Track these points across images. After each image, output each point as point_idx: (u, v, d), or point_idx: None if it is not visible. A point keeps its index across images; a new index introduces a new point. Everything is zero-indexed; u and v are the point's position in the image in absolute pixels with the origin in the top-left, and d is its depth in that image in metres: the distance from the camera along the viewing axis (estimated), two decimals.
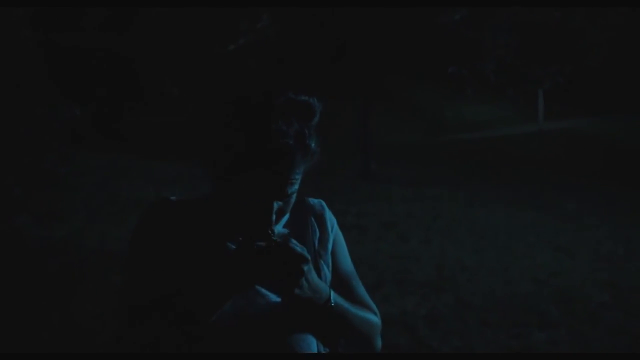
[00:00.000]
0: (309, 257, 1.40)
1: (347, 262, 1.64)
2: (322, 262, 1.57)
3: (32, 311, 5.31)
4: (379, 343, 1.64)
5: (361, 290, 1.64)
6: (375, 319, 1.63)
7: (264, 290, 1.47)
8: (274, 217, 1.44)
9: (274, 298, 1.47)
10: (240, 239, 1.42)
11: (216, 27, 13.92)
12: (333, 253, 1.61)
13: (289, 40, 13.70)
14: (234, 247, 1.46)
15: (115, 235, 7.54)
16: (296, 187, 1.47)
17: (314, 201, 1.62)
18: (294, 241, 1.40)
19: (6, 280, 5.46)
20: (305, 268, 1.38)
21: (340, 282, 1.59)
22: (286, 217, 1.54)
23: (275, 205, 1.44)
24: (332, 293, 1.49)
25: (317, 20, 13.05)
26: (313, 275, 1.43)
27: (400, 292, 6.48)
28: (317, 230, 1.59)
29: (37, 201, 5.66)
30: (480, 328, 5.47)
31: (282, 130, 1.41)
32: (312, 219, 1.59)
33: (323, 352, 1.53)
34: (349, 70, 14.16)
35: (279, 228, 1.52)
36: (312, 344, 1.51)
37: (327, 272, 1.57)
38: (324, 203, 1.64)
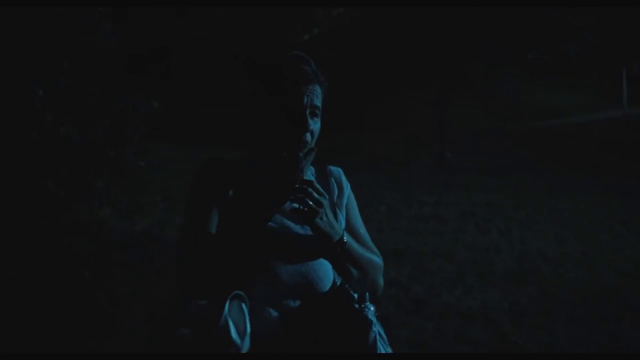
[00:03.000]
0: (327, 195, 1.83)
1: (357, 217, 2.04)
2: (339, 211, 1.98)
3: (116, 302, 5.41)
4: (381, 280, 2.01)
5: (367, 238, 2.03)
6: (378, 260, 2.00)
7: (296, 227, 1.88)
8: (303, 158, 1.82)
9: (303, 232, 1.87)
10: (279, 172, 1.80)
11: (291, 16, 13.92)
12: (347, 208, 2.01)
13: (364, 29, 13.56)
14: (271, 184, 1.84)
15: None
16: (318, 125, 1.88)
17: (333, 168, 2.05)
18: (317, 184, 1.83)
19: (92, 272, 5.58)
20: (325, 202, 1.80)
21: (351, 231, 1.97)
22: (312, 170, 1.98)
23: (307, 135, 1.84)
24: (345, 234, 1.89)
25: (393, 8, 12.85)
26: (329, 212, 1.83)
27: (481, 284, 6.31)
28: (336, 189, 2.01)
29: (119, 194, 5.77)
30: (567, 323, 5.26)
31: (303, 68, 1.86)
32: (333, 181, 2.01)
33: (337, 281, 1.90)
34: (425, 59, 13.93)
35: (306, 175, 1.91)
36: (329, 272, 1.90)
37: (342, 221, 1.98)
38: (341, 170, 2.05)
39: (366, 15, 13.65)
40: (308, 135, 1.86)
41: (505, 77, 19.34)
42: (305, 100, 1.85)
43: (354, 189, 2.10)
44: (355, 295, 1.86)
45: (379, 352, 1.83)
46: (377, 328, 1.85)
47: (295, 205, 1.80)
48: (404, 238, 7.80)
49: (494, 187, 11.34)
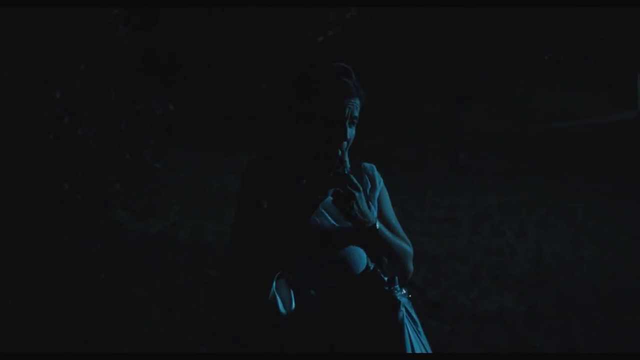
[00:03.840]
0: (360, 188, 2.00)
1: (389, 208, 2.21)
2: (371, 204, 2.14)
3: (131, 304, 5.43)
4: (411, 266, 2.20)
5: (399, 228, 2.20)
6: (408, 248, 2.18)
7: (334, 218, 2.06)
8: (344, 151, 2.02)
9: (340, 223, 2.06)
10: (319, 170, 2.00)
11: (305, 19, 13.91)
12: (379, 201, 2.17)
13: (378, 31, 13.54)
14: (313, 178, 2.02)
15: (207, 229, 7.65)
16: (354, 132, 2.05)
17: (367, 164, 2.21)
18: (351, 177, 2.00)
19: (107, 274, 5.60)
20: (357, 194, 1.98)
21: (384, 221, 2.14)
22: (348, 167, 2.11)
23: (345, 144, 2.02)
24: (377, 222, 2.06)
25: (407, 9, 12.82)
26: (363, 202, 2.01)
27: (497, 287, 6.28)
28: (369, 183, 2.17)
29: (134, 196, 5.78)
30: (585, 327, 5.22)
31: (346, 82, 2.02)
32: (366, 176, 2.17)
33: (370, 266, 2.07)
34: (440, 60, 13.89)
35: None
36: (363, 257, 2.08)
37: (375, 211, 2.14)
38: (374, 166, 2.21)
39: (380, 17, 13.63)
40: (345, 144, 2.05)
41: (520, 79, 19.25)
42: (347, 112, 2.04)
43: None
44: (386, 279, 2.06)
45: (406, 330, 2.01)
46: (406, 308, 2.04)
47: (332, 197, 2.01)
48: (418, 240, 7.77)
49: (509, 189, 11.28)
